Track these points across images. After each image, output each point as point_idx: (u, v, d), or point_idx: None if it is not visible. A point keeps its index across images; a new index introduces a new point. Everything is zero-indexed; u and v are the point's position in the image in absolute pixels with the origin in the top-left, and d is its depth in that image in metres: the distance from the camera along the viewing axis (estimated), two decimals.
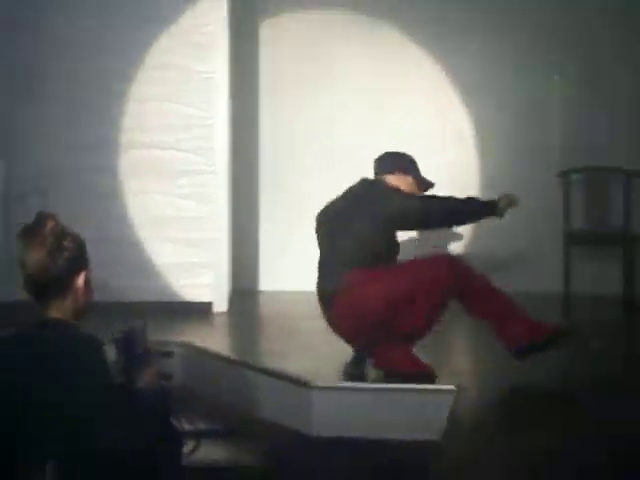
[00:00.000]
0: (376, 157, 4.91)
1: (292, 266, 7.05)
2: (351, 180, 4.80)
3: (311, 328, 5.77)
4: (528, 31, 7.00)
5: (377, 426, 3.95)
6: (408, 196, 4.69)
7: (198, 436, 3.62)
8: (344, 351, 4.78)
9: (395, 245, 4.69)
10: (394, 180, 4.77)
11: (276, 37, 7.32)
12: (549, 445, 3.52)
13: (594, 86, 7.05)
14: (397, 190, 4.65)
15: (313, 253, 6.27)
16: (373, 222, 4.54)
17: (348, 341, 4.64)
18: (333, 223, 4.71)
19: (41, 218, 2.44)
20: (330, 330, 4.59)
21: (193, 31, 6.28)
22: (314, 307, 6.05)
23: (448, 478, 3.28)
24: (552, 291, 6.54)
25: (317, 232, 4.82)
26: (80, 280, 2.48)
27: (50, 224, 2.42)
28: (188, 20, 6.28)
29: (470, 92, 7.08)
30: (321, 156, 7.27)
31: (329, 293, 4.58)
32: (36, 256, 2.39)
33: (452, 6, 7.05)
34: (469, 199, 4.79)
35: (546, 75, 7.09)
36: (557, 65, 6.99)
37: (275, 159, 7.29)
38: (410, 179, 4.83)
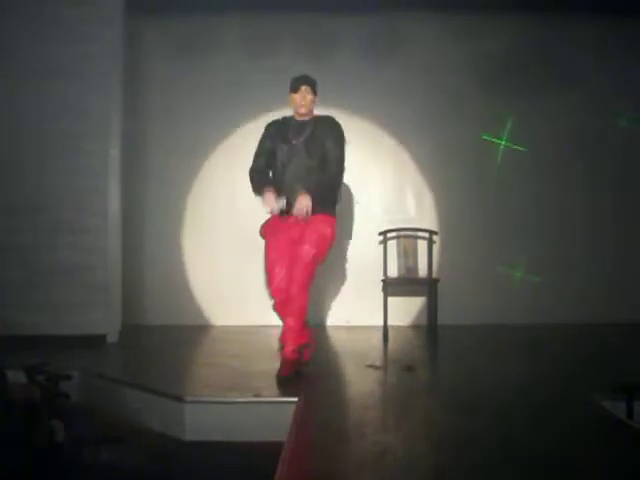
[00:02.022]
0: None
1: (174, 303, 7.06)
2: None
3: (185, 353, 5.87)
4: None
5: (237, 431, 4.12)
6: None
7: (96, 443, 3.70)
8: (213, 371, 4.92)
9: None
10: None
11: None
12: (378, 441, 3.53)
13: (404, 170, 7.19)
14: None
15: (190, 292, 6.43)
16: None
17: None
18: None
19: None
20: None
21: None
22: (189, 337, 6.20)
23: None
24: (374, 325, 6.59)
25: None
26: None
27: None
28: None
29: None
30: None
31: None
32: None
33: None
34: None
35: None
36: None
37: (159, 221, 7.21)
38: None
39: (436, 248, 7.01)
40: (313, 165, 4.64)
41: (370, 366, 5.12)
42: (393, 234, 6.61)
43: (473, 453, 3.36)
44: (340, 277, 7.07)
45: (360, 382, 4.83)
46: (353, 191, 7.07)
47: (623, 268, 7.16)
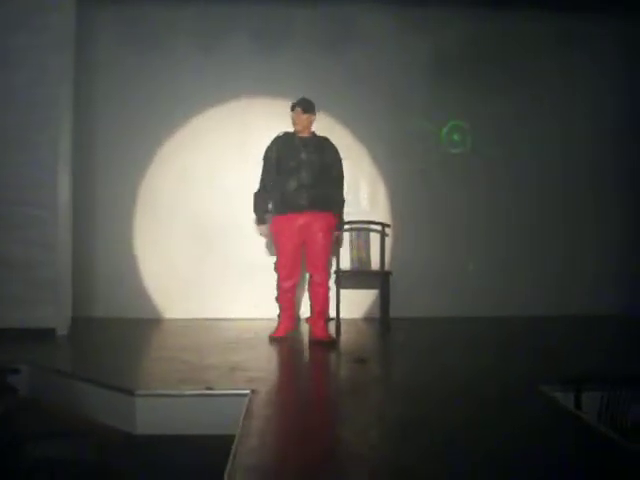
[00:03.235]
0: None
1: (125, 296, 6.98)
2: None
3: (137, 346, 5.82)
4: None
5: (188, 424, 4.08)
6: None
7: (43, 438, 3.64)
8: (165, 365, 4.87)
9: None
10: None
11: None
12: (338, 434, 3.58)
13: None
14: None
15: (141, 285, 6.38)
16: None
17: None
18: None
19: None
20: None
21: None
22: (141, 330, 6.15)
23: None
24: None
25: None
26: None
27: None
28: None
29: None
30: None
31: None
32: None
33: None
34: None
35: None
36: None
37: (110, 213, 7.09)
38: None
39: (389, 241, 7.05)
40: (316, 175, 5.65)
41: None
42: (346, 227, 6.61)
43: (424, 444, 3.37)
44: None
45: (312, 375, 4.83)
46: None
47: (572, 263, 7.29)
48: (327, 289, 5.74)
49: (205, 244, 7.06)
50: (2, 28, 5.91)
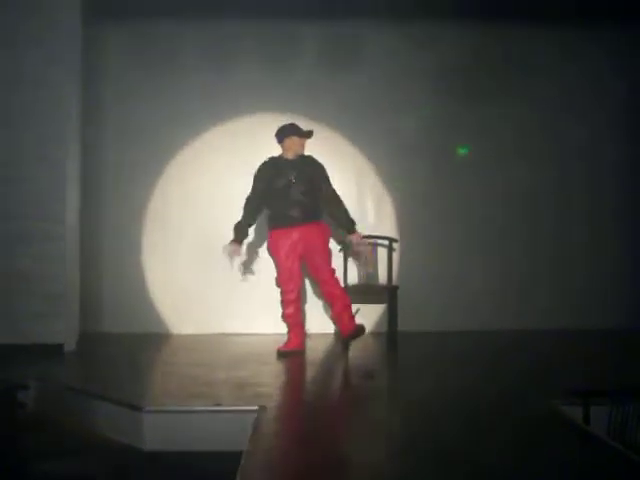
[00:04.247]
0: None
1: (134, 311, 6.97)
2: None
3: (145, 362, 5.81)
4: None
5: (197, 441, 4.04)
6: None
7: (53, 454, 3.63)
8: (173, 380, 4.87)
9: None
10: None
11: None
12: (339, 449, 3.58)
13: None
14: None
15: (149, 300, 6.36)
16: None
17: None
18: None
19: None
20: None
21: None
22: (149, 345, 6.14)
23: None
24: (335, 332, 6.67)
25: None
26: None
27: None
28: None
29: None
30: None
31: None
32: None
33: None
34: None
35: None
36: None
37: (118, 229, 7.11)
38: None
39: (396, 255, 7.05)
40: (305, 193, 5.88)
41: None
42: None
43: (433, 458, 3.35)
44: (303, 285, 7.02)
45: (319, 391, 4.82)
46: None
47: (590, 277, 7.28)
48: (339, 285, 5.98)
49: (214, 259, 7.05)
50: (16, 48, 5.96)
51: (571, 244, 7.31)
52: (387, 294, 6.72)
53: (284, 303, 5.90)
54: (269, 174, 5.94)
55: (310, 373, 5.44)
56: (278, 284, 5.94)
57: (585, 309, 7.14)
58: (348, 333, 5.86)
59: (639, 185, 7.21)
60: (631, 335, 6.77)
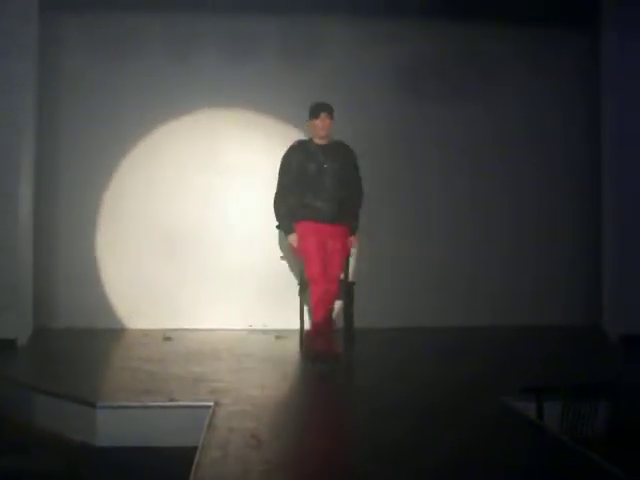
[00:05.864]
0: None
1: (88, 306, 6.86)
2: None
3: (99, 357, 5.75)
4: None
5: (151, 436, 4.02)
6: None
7: (6, 450, 3.56)
8: (127, 376, 4.82)
9: None
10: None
11: None
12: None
13: None
14: None
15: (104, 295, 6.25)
16: None
17: None
18: None
19: None
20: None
21: None
22: (104, 340, 6.06)
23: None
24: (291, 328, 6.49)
25: None
26: None
27: None
28: None
29: None
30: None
31: None
32: None
33: None
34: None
35: None
36: None
37: (72, 222, 6.96)
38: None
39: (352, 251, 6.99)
40: (340, 184, 5.58)
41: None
42: None
43: (387, 453, 3.36)
44: (257, 280, 7.00)
45: (275, 387, 4.80)
46: None
47: (544, 271, 7.32)
48: (339, 285, 5.78)
49: (170, 252, 7.00)
50: None
51: (523, 241, 7.34)
52: (343, 290, 6.68)
53: (315, 300, 5.55)
54: (297, 164, 5.59)
55: (265, 370, 5.41)
56: (307, 276, 5.63)
57: (538, 306, 7.21)
58: (314, 333, 5.59)
59: (596, 186, 7.27)
60: (583, 331, 6.90)
